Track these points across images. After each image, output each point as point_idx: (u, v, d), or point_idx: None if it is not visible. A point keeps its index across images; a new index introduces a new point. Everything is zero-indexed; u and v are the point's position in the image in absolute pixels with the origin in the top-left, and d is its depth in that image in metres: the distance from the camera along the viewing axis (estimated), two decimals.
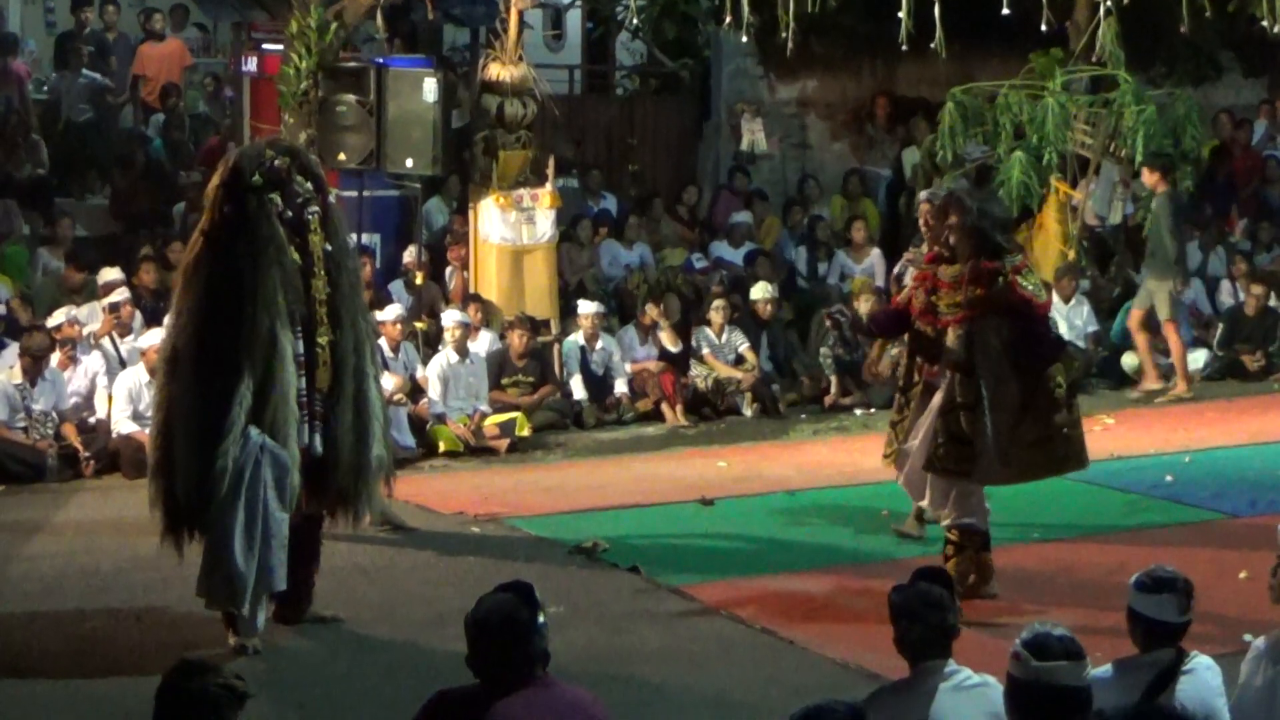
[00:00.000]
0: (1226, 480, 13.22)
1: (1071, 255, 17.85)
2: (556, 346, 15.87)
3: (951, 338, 9.76)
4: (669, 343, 16.21)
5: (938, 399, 9.85)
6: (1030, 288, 9.68)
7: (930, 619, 6.01)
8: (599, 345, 15.89)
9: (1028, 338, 9.67)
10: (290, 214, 9.23)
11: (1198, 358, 17.70)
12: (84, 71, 20.25)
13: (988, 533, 10.04)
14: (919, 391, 10.35)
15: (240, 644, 9.05)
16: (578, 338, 15.89)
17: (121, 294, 14.57)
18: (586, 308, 15.91)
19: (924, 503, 10.25)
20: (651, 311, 16.30)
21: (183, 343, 9.12)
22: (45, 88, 21.05)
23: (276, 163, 9.28)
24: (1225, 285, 18.93)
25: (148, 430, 13.05)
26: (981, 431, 9.61)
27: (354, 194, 15.18)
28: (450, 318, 14.84)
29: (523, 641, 5.32)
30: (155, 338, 13.10)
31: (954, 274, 9.78)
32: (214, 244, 9.10)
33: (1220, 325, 18.12)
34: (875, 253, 18.31)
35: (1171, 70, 20.82)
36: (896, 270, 12.29)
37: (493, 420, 14.64)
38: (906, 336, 10.52)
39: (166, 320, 10.07)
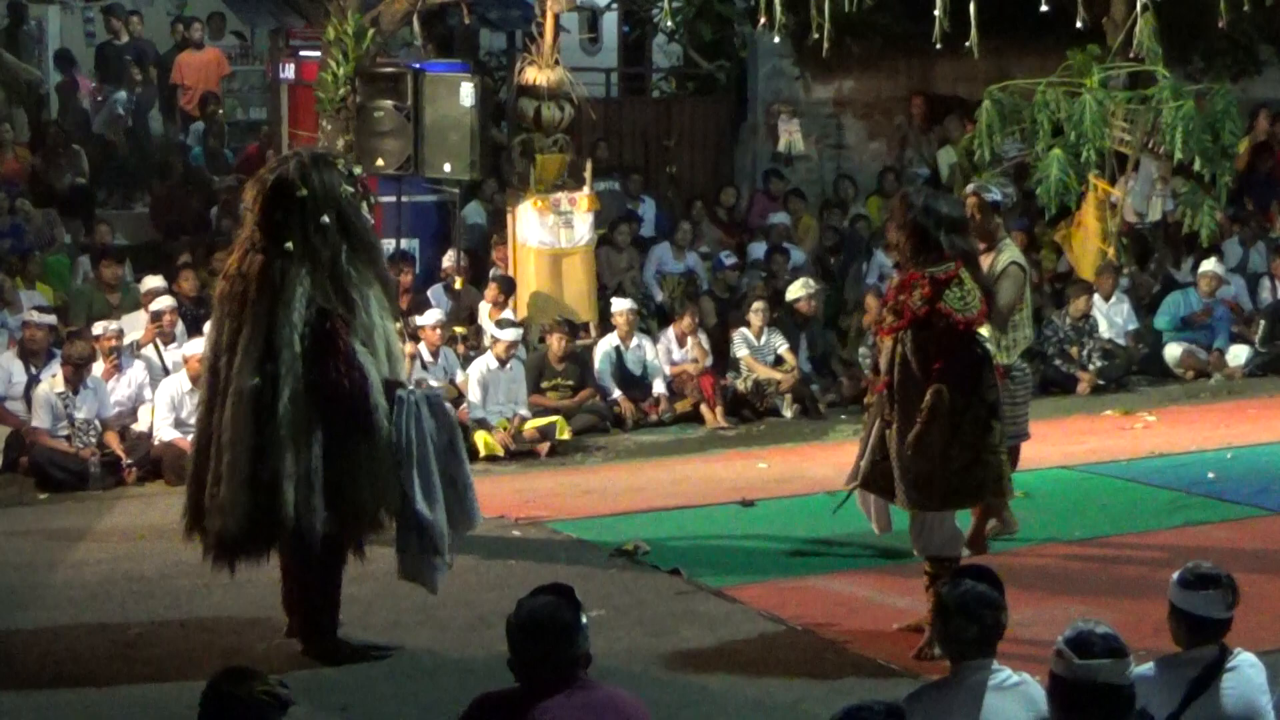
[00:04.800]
0: (1269, 477, 13.14)
1: (1111, 252, 17.82)
2: (593, 351, 15.88)
3: (883, 350, 9.15)
4: (699, 356, 16.14)
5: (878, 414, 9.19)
6: (954, 302, 8.83)
7: (986, 617, 5.97)
8: (633, 343, 15.89)
9: (946, 355, 8.85)
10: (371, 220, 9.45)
11: (1239, 354, 17.66)
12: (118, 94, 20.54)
13: (958, 558, 9.16)
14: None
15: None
16: (611, 339, 15.86)
17: (164, 302, 14.65)
18: (620, 304, 15.89)
19: (875, 528, 9.61)
20: (683, 322, 16.23)
21: (287, 352, 8.84)
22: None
23: (358, 171, 9.48)
24: (1265, 282, 18.86)
25: (189, 437, 13.19)
26: (896, 452, 8.99)
27: (392, 199, 15.24)
28: (505, 335, 14.72)
29: (565, 643, 5.33)
30: (198, 346, 13.17)
31: (897, 284, 9.15)
32: (310, 255, 8.92)
33: (1262, 322, 18.04)
34: None
35: (1210, 65, 20.74)
36: None
37: (532, 424, 14.65)
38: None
39: (248, 337, 9.17)
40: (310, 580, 9.15)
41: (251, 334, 8.91)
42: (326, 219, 8.98)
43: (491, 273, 16.31)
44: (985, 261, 10.49)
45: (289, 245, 8.90)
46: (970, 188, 11.00)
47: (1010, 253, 10.81)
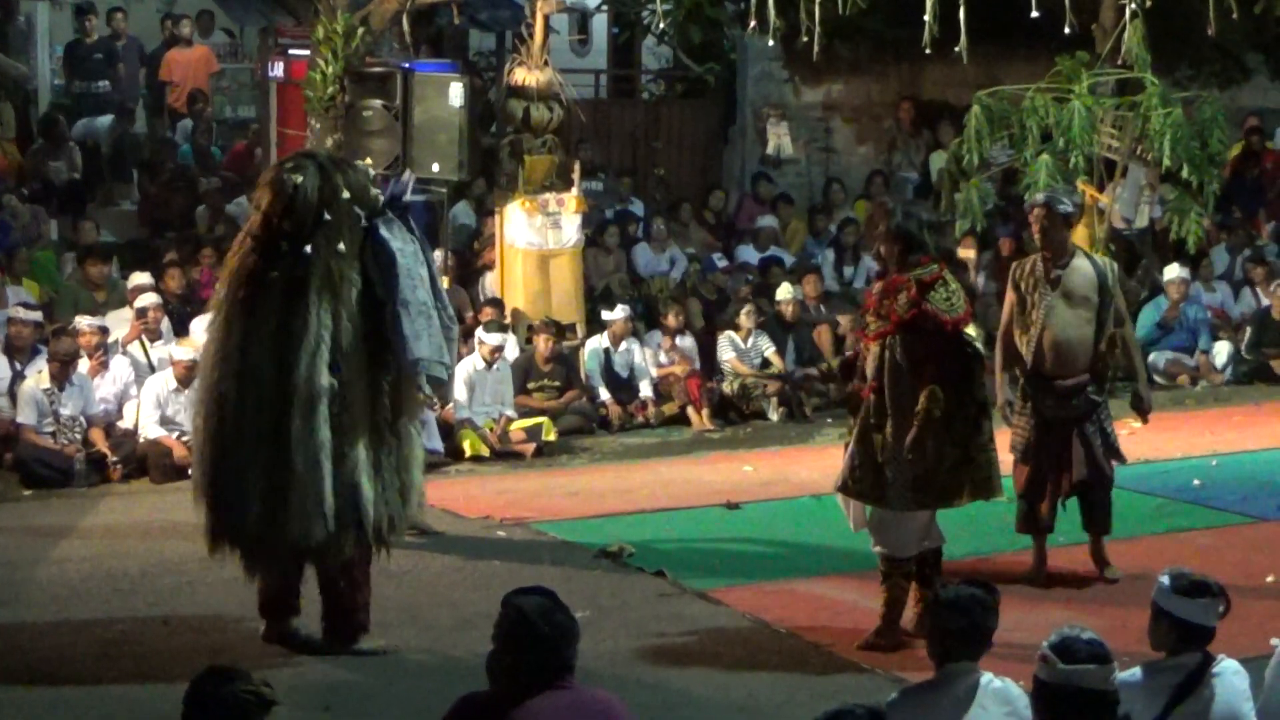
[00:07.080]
0: (1254, 484, 13.17)
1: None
2: (582, 351, 15.88)
3: (868, 355, 9.18)
4: (677, 359, 16.13)
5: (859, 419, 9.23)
6: (940, 303, 8.91)
7: (975, 613, 6.00)
8: (622, 346, 15.89)
9: (936, 356, 8.92)
10: None
11: (1220, 351, 17.74)
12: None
13: (908, 560, 9.23)
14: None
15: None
16: (601, 340, 15.86)
17: (149, 299, 14.62)
18: (616, 313, 15.88)
19: (852, 526, 9.54)
20: (671, 319, 16.25)
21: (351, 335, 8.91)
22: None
23: (373, 172, 9.59)
24: (1247, 290, 18.91)
25: (175, 435, 13.21)
26: (890, 455, 9.01)
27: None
28: (491, 339, 14.77)
29: (558, 645, 5.32)
30: (184, 347, 13.26)
31: (881, 289, 9.19)
32: (357, 255, 8.98)
33: (1248, 329, 18.08)
34: None
35: (1198, 72, 20.79)
36: None
37: (519, 425, 14.65)
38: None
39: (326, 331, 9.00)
40: (351, 580, 9.15)
41: (316, 337, 8.80)
42: (370, 223, 9.02)
43: (482, 296, 16.26)
44: (1076, 275, 10.30)
45: (341, 246, 8.89)
46: (1041, 197, 10.55)
47: (1106, 260, 10.72)
